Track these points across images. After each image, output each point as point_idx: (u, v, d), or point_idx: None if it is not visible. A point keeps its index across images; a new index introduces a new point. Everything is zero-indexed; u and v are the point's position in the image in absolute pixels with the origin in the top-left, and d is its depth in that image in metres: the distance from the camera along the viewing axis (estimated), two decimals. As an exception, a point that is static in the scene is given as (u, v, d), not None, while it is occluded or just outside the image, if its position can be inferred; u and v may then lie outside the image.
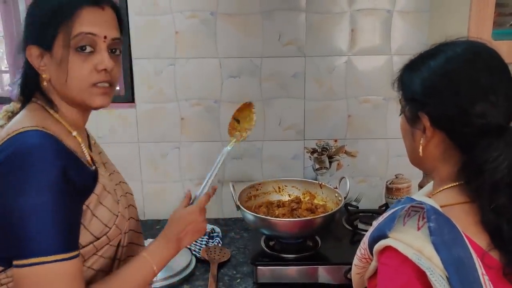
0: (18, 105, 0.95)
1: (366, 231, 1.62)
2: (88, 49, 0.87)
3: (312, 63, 1.80)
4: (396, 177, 1.87)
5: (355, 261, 0.88)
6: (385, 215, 0.79)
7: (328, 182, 1.72)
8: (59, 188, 0.79)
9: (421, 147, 0.82)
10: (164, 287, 1.43)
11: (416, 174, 1.85)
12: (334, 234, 1.64)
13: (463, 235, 0.70)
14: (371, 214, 1.75)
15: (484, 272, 0.68)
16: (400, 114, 0.90)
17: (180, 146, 1.87)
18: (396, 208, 0.77)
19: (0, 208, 0.79)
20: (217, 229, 1.78)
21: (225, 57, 1.79)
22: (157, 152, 1.87)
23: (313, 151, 1.84)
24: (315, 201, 1.66)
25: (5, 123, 0.92)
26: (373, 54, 1.80)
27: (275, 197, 1.70)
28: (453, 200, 0.78)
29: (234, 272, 1.52)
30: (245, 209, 1.48)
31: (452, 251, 0.68)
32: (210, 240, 1.67)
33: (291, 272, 1.44)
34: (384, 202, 1.86)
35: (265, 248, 1.52)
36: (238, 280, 1.47)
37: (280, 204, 1.63)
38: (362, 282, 0.90)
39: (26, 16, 0.90)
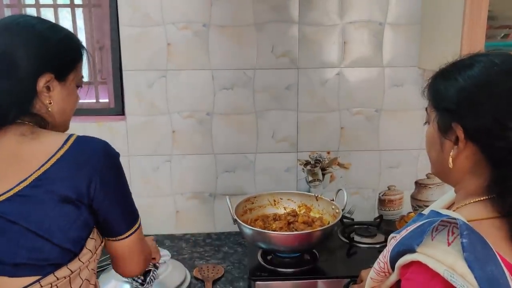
0: None
1: (362, 243, 1.64)
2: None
3: (305, 75, 1.80)
4: (389, 189, 1.88)
5: (372, 274, 0.85)
6: (410, 228, 0.76)
7: (321, 194, 1.71)
8: None
9: (450, 159, 0.80)
10: (160, 305, 1.39)
11: (408, 186, 1.87)
12: (330, 247, 1.62)
13: (495, 251, 0.68)
14: (366, 226, 1.74)
15: None
16: (425, 123, 0.88)
17: (171, 159, 1.83)
18: (423, 222, 0.74)
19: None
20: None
21: (218, 68, 1.77)
22: (148, 166, 1.83)
23: (306, 163, 1.84)
24: (312, 214, 1.65)
25: None
26: (365, 66, 1.81)
27: (270, 211, 1.68)
28: (481, 214, 0.76)
29: (230, 287, 1.49)
30: (242, 223, 1.45)
31: (486, 269, 0.66)
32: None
33: (290, 286, 1.41)
34: (377, 214, 1.86)
35: (263, 263, 1.49)
36: (236, 296, 1.44)
37: (276, 218, 1.61)
38: None
39: (45, 45, 0.96)
